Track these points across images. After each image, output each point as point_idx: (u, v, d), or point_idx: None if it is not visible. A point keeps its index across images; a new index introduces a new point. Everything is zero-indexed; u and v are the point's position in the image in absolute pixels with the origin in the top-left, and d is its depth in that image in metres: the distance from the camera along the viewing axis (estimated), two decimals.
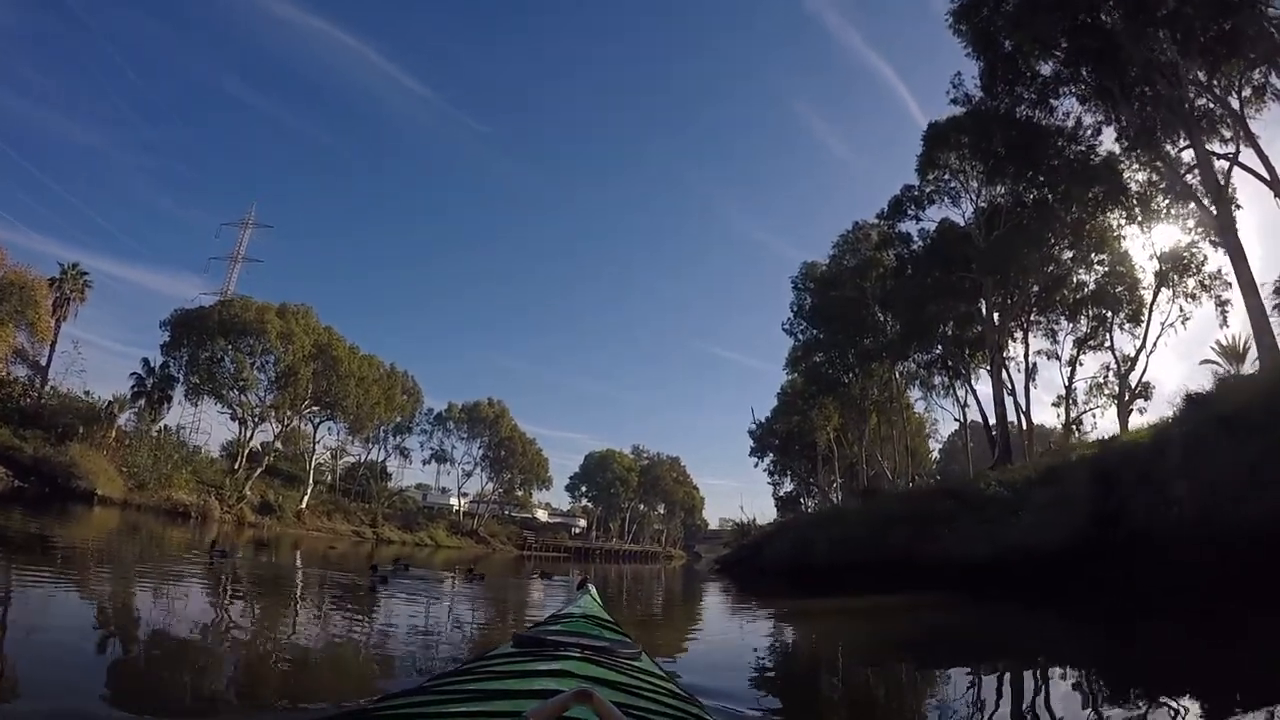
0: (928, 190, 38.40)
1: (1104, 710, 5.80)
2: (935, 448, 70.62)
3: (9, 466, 38.61)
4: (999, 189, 36.38)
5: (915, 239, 40.18)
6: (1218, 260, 31.53)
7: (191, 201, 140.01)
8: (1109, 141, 31.57)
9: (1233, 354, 34.91)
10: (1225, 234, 24.21)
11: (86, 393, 50.29)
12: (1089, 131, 31.99)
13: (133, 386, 55.38)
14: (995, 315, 36.09)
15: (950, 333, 38.99)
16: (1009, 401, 36.44)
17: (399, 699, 1.41)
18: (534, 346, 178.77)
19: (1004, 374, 36.26)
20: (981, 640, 11.20)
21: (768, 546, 39.22)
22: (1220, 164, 25.01)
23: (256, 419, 58.77)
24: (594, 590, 4.72)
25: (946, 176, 37.84)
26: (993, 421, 36.45)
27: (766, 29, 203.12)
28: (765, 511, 75.37)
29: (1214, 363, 35.56)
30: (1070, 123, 32.09)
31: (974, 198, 37.50)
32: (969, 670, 7.93)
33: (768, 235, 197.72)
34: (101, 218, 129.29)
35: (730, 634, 12.79)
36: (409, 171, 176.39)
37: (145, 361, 56.18)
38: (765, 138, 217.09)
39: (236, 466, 57.06)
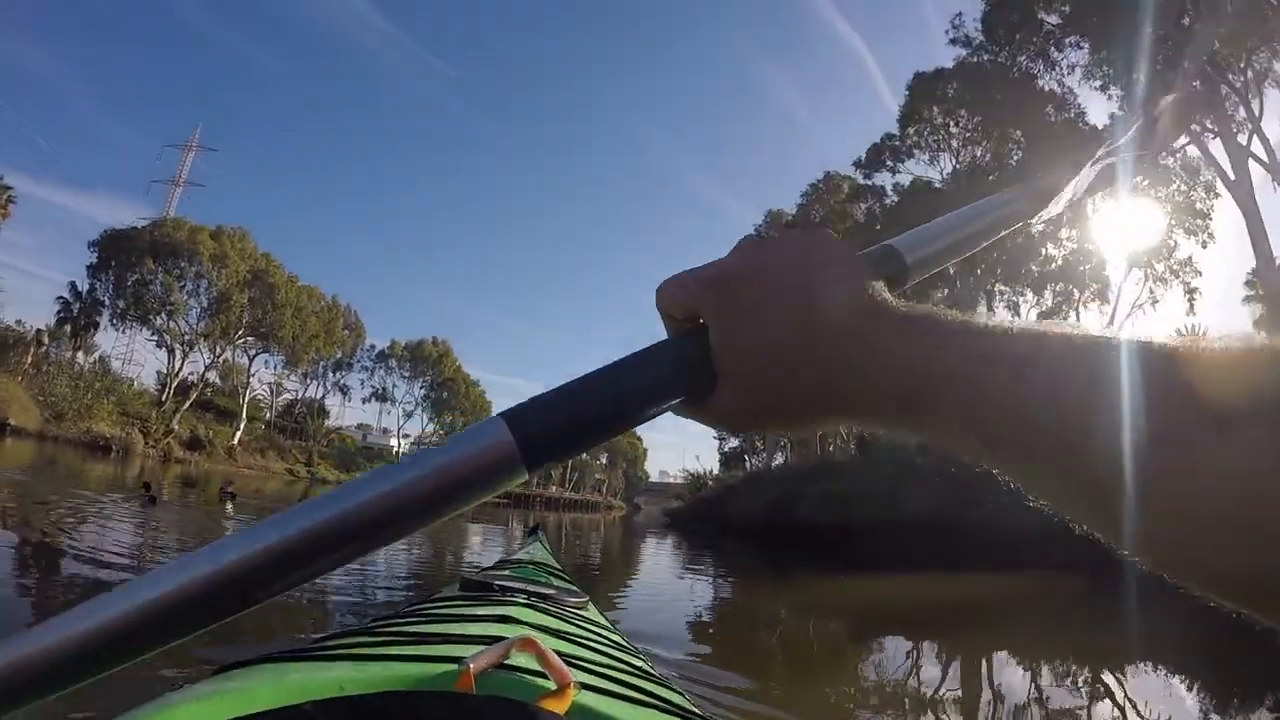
0: (908, 143, 36.87)
1: None
2: None
3: None
4: (981, 148, 35.12)
5: (889, 193, 38.76)
6: (1189, 248, 32.07)
7: (134, 124, 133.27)
8: (1099, 115, 31.27)
9: None
10: (1246, 203, 23.16)
11: (16, 322, 47.59)
12: (1078, 99, 31.83)
13: (58, 312, 52.87)
14: (969, 279, 34.87)
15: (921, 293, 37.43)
16: None
17: (340, 638, 1.31)
18: (480, 290, 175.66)
19: None
20: None
21: (733, 501, 37.09)
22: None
23: (186, 347, 55.73)
24: (544, 538, 4.55)
25: (927, 131, 36.41)
26: None
27: None
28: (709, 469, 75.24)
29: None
30: (1062, 88, 31.54)
31: (954, 156, 36.13)
32: None
33: (726, 198, 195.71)
34: (38, 135, 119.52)
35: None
36: (365, 107, 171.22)
37: (72, 284, 53.78)
38: (729, 101, 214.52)
39: (164, 398, 54.15)
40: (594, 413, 0.53)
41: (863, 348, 0.49)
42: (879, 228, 38.53)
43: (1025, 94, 31.16)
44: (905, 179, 38.01)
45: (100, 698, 2.87)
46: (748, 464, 75.24)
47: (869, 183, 39.40)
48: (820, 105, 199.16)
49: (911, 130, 36.55)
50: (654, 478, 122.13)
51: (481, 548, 16.70)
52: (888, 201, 38.77)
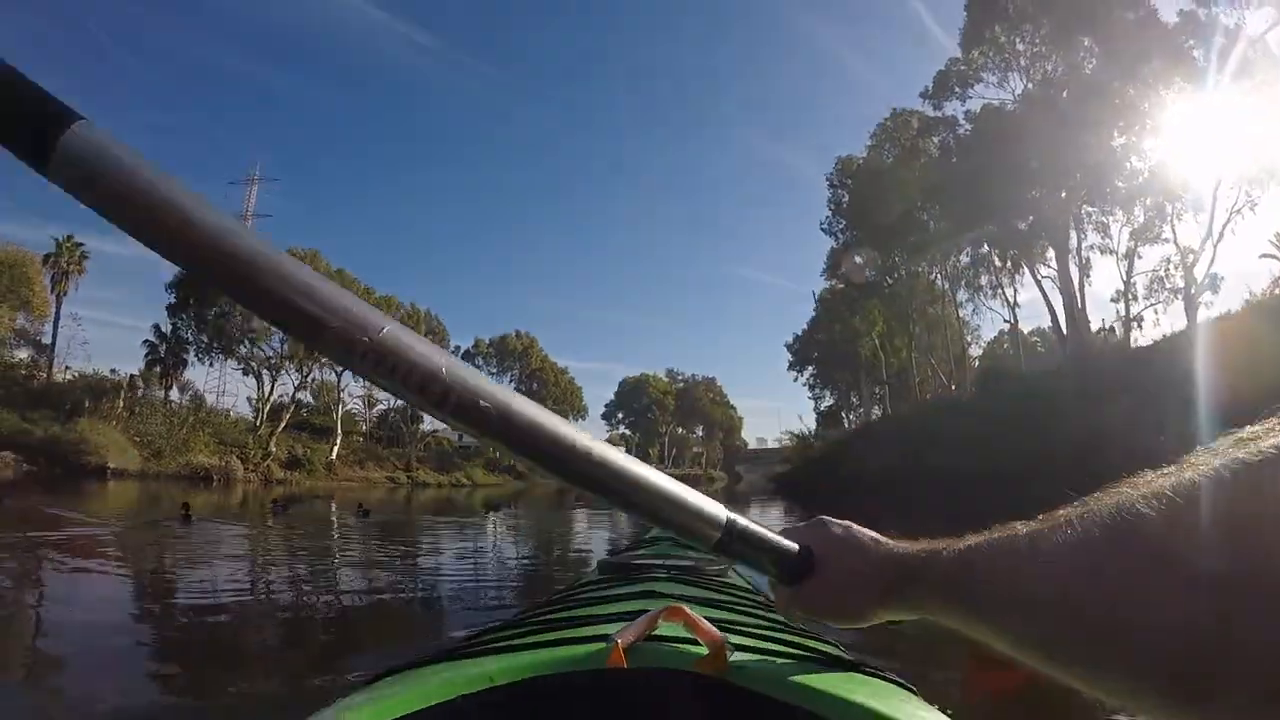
0: (974, 66, 34.79)
1: None
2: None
3: (17, 451, 36.71)
4: (1051, 62, 32.95)
5: (962, 122, 36.80)
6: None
7: (198, 177, 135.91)
8: (1170, 12, 29.10)
9: None
10: None
11: (110, 371, 48.61)
12: None
13: (146, 355, 53.73)
14: (1061, 195, 32.81)
15: (1006, 222, 35.38)
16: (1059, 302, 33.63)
17: (487, 635, 1.32)
18: (557, 282, 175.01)
19: (1070, 263, 33.25)
20: None
21: (849, 457, 35.01)
22: None
23: (273, 372, 56.39)
24: None
25: (992, 51, 34.31)
26: (1061, 316, 33.42)
27: None
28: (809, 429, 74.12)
29: (1275, 256, 32.90)
30: None
31: (1024, 74, 34.00)
32: None
33: (790, 154, 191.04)
34: None
35: None
36: (419, 119, 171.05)
37: (156, 327, 54.28)
38: (782, 58, 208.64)
39: (258, 423, 54.93)
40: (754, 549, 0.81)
41: (890, 573, 0.77)
42: (954, 160, 36.82)
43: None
44: (977, 105, 35.98)
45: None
46: (846, 421, 73.77)
47: (939, 114, 37.40)
48: (872, 51, 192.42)
49: (975, 53, 34.48)
50: (751, 445, 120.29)
51: (588, 533, 17.79)
52: (961, 131, 36.80)
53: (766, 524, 0.80)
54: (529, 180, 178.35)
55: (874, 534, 0.83)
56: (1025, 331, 51.30)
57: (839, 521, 0.86)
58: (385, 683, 1.03)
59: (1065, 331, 32.50)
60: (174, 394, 55.56)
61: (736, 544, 0.76)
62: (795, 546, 0.83)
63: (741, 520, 0.75)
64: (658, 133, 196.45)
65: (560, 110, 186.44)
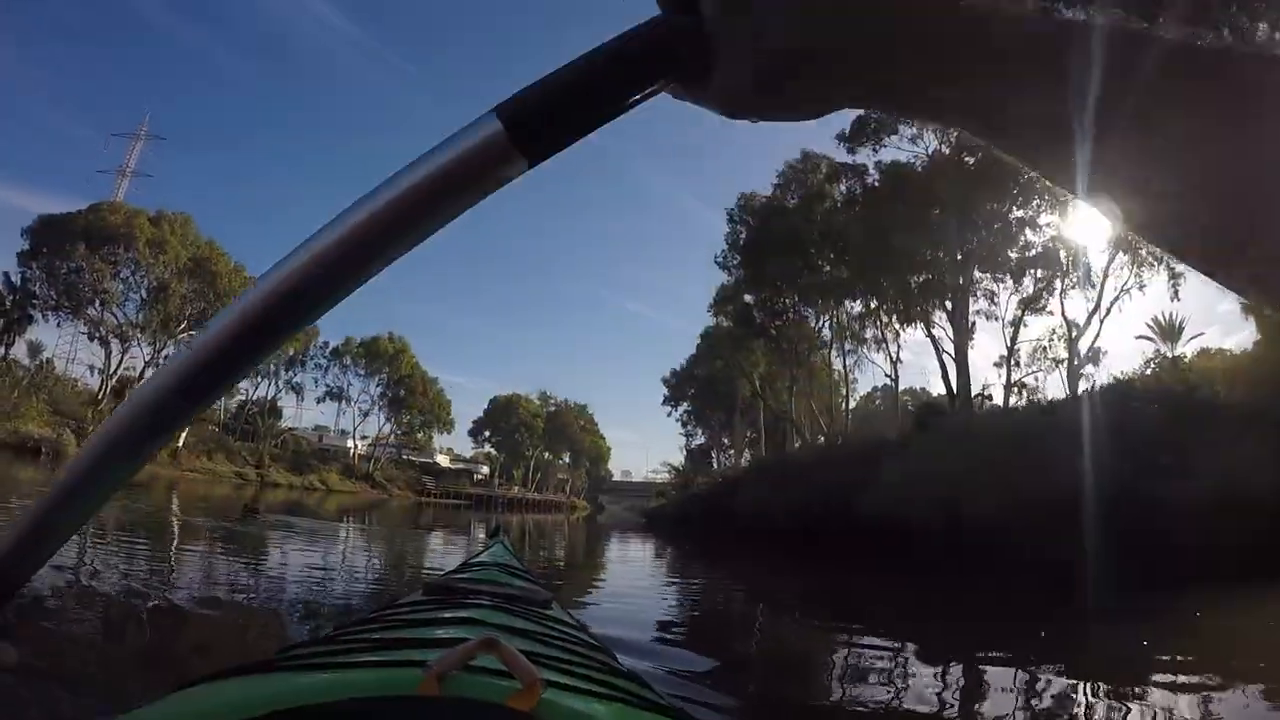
0: (891, 118, 35.03)
1: None
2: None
3: None
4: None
5: (871, 171, 37.05)
6: None
7: (86, 120, 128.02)
8: None
9: (1168, 332, 33.92)
10: None
11: None
12: None
13: None
14: (958, 255, 33.25)
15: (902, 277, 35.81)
16: (948, 360, 34.17)
17: (301, 649, 1.30)
18: (433, 288, 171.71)
19: (965, 320, 33.68)
20: None
21: (743, 495, 32.63)
22: None
23: (123, 341, 52.62)
24: (507, 539, 4.33)
25: None
26: (952, 373, 33.78)
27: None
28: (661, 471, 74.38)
29: (1148, 338, 34.47)
30: None
31: (938, 133, 34.45)
32: None
33: (689, 199, 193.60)
34: None
35: None
36: (323, 99, 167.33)
37: (5, 275, 50.17)
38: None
39: (100, 396, 51.03)
40: (586, 95, 0.52)
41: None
42: (857, 209, 37.01)
43: None
44: (888, 156, 36.42)
45: None
46: (715, 461, 73.97)
47: (851, 158, 37.49)
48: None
49: None
50: (616, 476, 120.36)
51: (444, 553, 15.80)
52: (869, 180, 37.03)
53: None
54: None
55: None
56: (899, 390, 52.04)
57: None
58: (185, 694, 0.99)
59: (956, 388, 32.76)
60: (19, 353, 51.48)
61: (536, 119, 0.51)
62: (669, 16, 0.50)
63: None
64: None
65: (464, 113, 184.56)
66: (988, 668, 6.35)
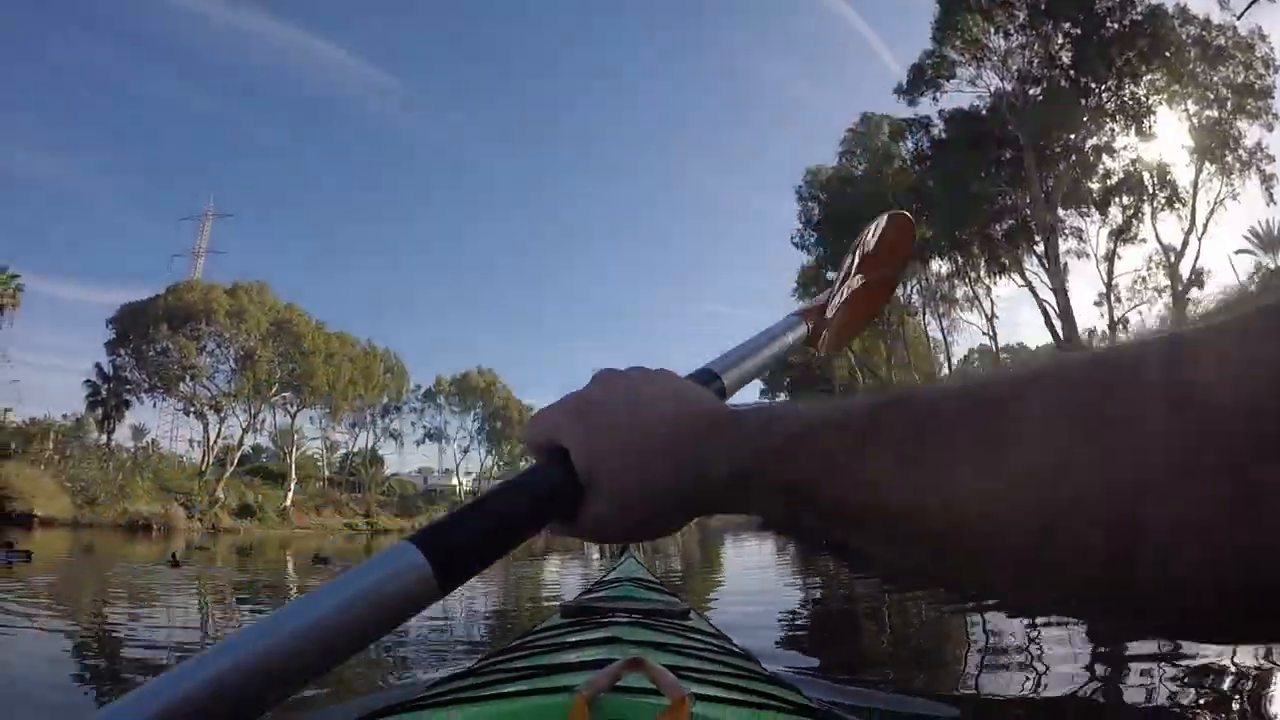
0: (949, 61, 33.27)
1: None
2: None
3: None
4: (1030, 53, 31.57)
5: (936, 122, 35.24)
6: (1254, 133, 29.63)
7: (154, 215, 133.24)
8: None
9: (1268, 241, 31.40)
10: None
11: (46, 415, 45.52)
12: None
13: (87, 396, 50.97)
14: (1043, 193, 31.27)
15: (986, 223, 33.96)
16: (1049, 307, 32.13)
17: (449, 683, 1.35)
18: (512, 318, 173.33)
19: (1058, 262, 31.64)
20: None
21: None
22: None
23: (218, 411, 53.60)
24: (637, 554, 4.42)
25: (963, 43, 32.86)
26: (1057, 322, 31.72)
27: None
28: None
29: (1249, 251, 31.94)
30: None
31: (999, 70, 32.54)
32: None
33: (759, 195, 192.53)
34: (52, 233, 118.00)
35: None
36: (381, 162, 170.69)
37: (98, 367, 51.94)
38: (725, 93, 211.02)
39: (204, 467, 52.03)
40: (491, 535, 0.58)
41: (696, 438, 0.56)
42: (928, 163, 35.41)
43: None
44: (949, 105, 34.68)
45: None
46: None
47: (913, 111, 35.74)
48: (825, 80, 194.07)
49: (948, 48, 33.00)
50: None
51: (560, 576, 16.18)
52: (935, 132, 35.25)
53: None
54: (487, 220, 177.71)
55: (681, 384, 0.63)
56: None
57: (620, 374, 0.64)
58: None
59: (1063, 334, 30.75)
60: (123, 437, 53.05)
61: (453, 558, 0.56)
62: (542, 469, 0.62)
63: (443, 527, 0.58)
64: (620, 179, 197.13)
65: (524, 160, 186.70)
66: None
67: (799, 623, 8.17)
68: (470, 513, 0.58)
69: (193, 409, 53.13)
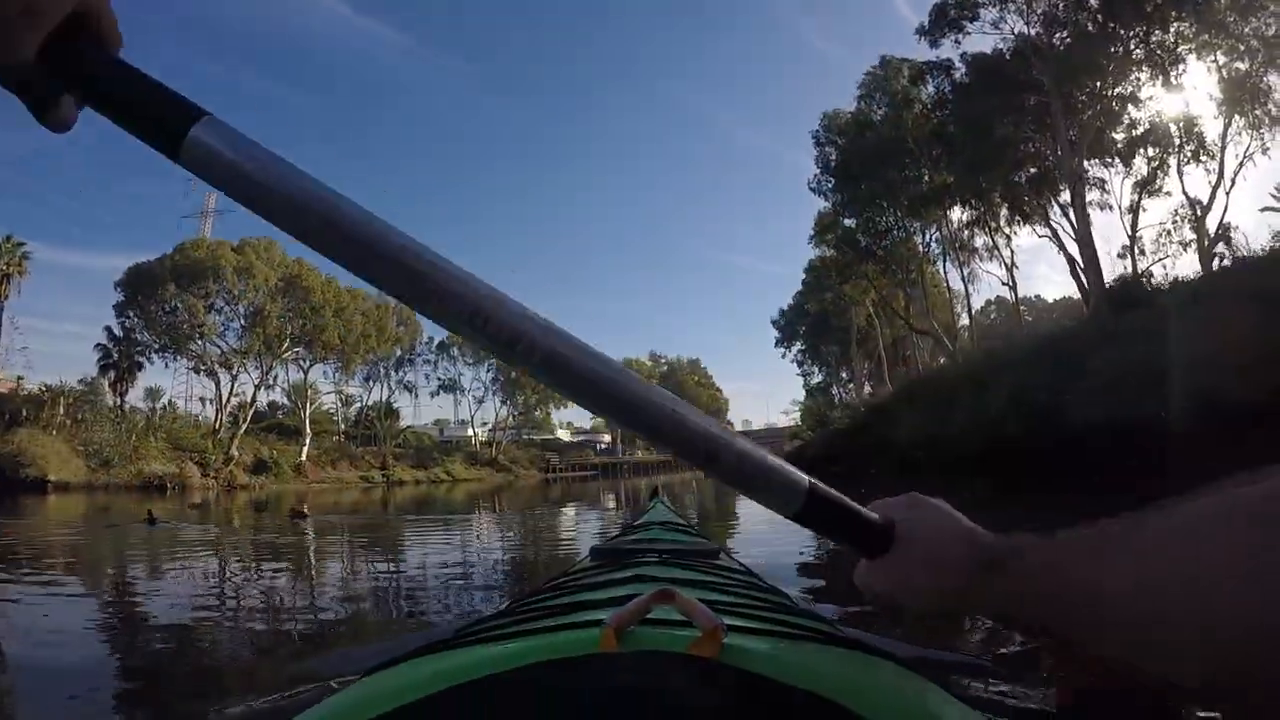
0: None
1: None
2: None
3: None
4: None
5: (958, 65, 34.01)
6: None
7: (165, 180, 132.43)
8: None
9: None
10: None
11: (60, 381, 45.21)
12: None
13: (99, 360, 50.67)
14: (1070, 138, 30.21)
15: (1009, 170, 32.76)
16: (1074, 258, 31.24)
17: (479, 624, 1.33)
18: (532, 265, 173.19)
19: (1084, 211, 30.70)
20: None
21: (899, 423, 27.84)
22: None
23: (229, 369, 53.30)
24: (665, 498, 4.66)
25: None
26: (1081, 270, 30.81)
27: None
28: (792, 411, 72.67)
29: (1274, 209, 31.58)
30: None
31: (1025, 5, 31.24)
32: None
33: (763, 138, 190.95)
34: (58, 200, 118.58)
35: None
36: (392, 115, 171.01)
37: (108, 330, 51.56)
38: (749, 40, 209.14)
39: (217, 425, 51.88)
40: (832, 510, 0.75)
41: (970, 579, 0.70)
42: (949, 109, 34.33)
43: None
44: (971, 47, 33.62)
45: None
46: (836, 397, 71.75)
47: (935, 53, 34.43)
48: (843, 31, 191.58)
49: None
50: (738, 427, 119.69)
51: (580, 519, 17.45)
52: (958, 76, 34.05)
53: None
54: (501, 170, 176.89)
55: (969, 522, 0.77)
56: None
57: (932, 501, 0.80)
58: (375, 677, 1.02)
59: (1088, 283, 29.87)
60: (138, 399, 52.85)
61: (817, 512, 0.73)
62: (877, 518, 0.78)
63: (823, 487, 0.73)
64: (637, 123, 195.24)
65: (531, 101, 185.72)
66: None
67: (814, 568, 8.06)
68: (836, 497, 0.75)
69: (204, 368, 52.93)
